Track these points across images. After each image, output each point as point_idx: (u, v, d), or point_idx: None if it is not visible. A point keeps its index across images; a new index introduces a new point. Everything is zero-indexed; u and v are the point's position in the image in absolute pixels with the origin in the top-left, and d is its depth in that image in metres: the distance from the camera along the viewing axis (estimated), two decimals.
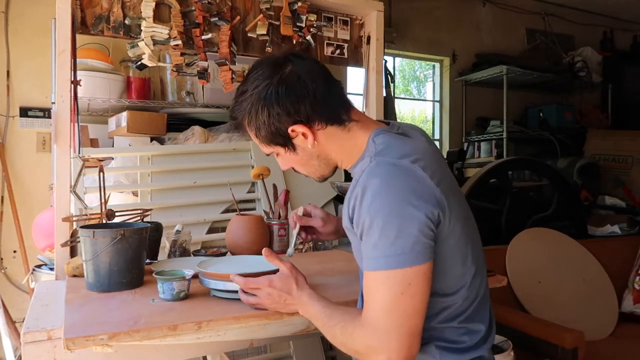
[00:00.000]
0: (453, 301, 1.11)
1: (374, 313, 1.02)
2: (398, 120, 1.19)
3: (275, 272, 1.26)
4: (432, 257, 1.02)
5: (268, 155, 1.26)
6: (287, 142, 1.17)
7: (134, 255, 1.39)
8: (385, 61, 3.53)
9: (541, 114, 4.76)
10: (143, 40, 1.84)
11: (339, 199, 2.61)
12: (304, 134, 1.15)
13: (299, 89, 1.12)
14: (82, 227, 1.38)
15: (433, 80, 4.95)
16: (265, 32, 2.04)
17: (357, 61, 2.31)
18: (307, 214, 1.52)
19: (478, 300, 1.15)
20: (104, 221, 1.67)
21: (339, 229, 1.51)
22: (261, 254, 1.58)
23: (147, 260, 1.76)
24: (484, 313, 1.18)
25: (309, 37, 2.12)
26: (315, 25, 2.14)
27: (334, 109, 1.15)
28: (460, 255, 1.10)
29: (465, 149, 4.72)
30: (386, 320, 1.00)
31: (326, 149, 1.19)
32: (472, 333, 1.14)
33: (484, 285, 1.19)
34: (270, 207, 2.09)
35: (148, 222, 1.83)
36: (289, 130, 1.14)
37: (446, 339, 1.12)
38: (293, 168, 1.27)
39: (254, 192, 2.46)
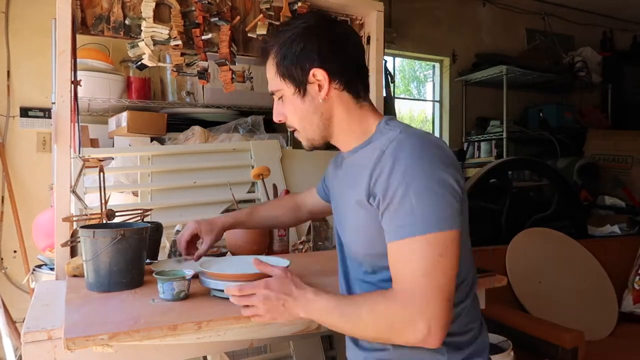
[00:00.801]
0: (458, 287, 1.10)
1: (409, 281, 0.98)
2: (398, 120, 1.20)
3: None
4: (460, 225, 1.03)
5: (272, 94, 1.22)
6: (301, 83, 1.15)
7: (134, 255, 1.38)
8: (385, 61, 3.53)
9: (541, 114, 4.76)
10: (143, 40, 1.84)
11: None
12: (320, 85, 1.14)
13: (341, 41, 1.15)
14: (82, 227, 1.38)
15: (433, 80, 4.95)
16: (265, 32, 2.04)
17: None
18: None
19: (472, 296, 1.17)
20: (104, 221, 1.67)
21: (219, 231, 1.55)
22: (261, 254, 1.59)
23: (147, 260, 1.76)
24: (476, 311, 1.19)
25: None
26: None
27: (356, 81, 1.18)
28: (465, 238, 1.11)
29: (465, 149, 4.72)
30: (425, 286, 0.96)
31: (332, 111, 1.18)
32: (470, 328, 1.15)
33: (475, 283, 1.21)
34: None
35: (148, 222, 1.83)
36: (311, 72, 1.14)
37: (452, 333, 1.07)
38: (285, 122, 1.23)
39: (254, 192, 2.46)
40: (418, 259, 0.98)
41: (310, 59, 1.13)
